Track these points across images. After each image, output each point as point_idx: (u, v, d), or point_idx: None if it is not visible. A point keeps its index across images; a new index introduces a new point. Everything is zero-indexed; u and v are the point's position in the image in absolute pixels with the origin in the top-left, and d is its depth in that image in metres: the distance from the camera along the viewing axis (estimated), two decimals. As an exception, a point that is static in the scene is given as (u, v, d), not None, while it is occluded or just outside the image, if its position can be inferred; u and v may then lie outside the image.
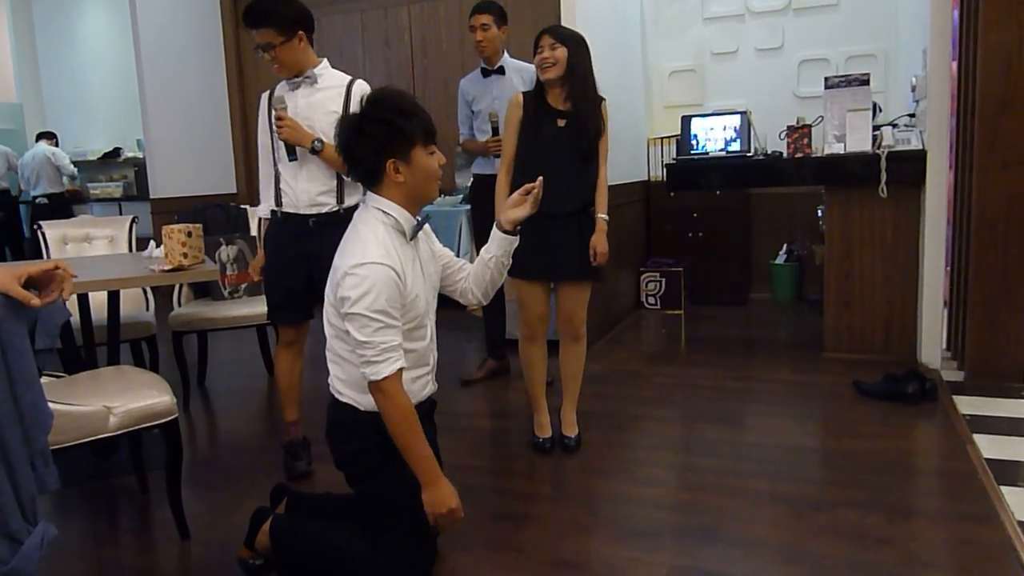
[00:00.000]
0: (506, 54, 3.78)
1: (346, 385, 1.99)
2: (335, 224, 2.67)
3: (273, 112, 2.70)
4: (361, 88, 2.73)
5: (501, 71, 3.72)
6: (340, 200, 2.72)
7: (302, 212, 2.72)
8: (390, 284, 1.84)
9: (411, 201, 1.98)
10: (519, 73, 3.76)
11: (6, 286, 1.29)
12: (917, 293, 3.78)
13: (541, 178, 2.17)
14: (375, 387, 1.85)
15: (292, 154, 2.68)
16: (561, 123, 2.76)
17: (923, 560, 2.06)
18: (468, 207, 5.48)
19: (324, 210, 2.71)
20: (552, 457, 2.88)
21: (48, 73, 8.59)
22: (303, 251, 2.69)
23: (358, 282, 1.81)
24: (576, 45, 2.74)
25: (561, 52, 2.70)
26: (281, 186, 2.75)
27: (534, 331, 2.89)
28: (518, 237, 2.18)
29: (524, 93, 2.83)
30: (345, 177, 2.66)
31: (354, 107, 2.24)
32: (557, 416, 3.00)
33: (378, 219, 1.93)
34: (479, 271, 2.19)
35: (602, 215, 2.83)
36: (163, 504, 2.40)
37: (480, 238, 3.99)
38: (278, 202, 2.76)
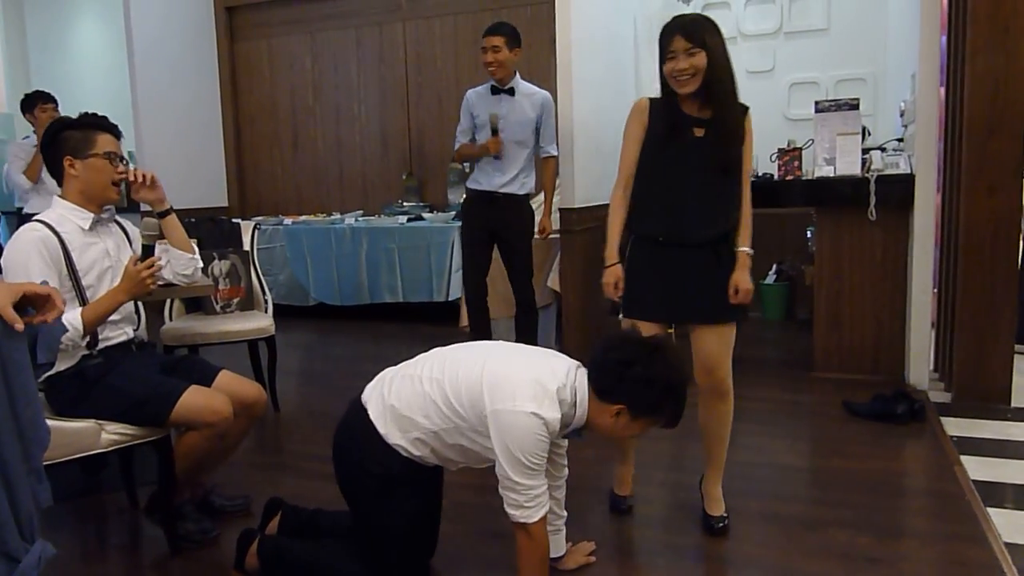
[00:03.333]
0: (518, 75, 3.81)
1: (391, 408, 1.93)
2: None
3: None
4: None
5: (511, 92, 3.75)
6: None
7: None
8: (543, 444, 1.82)
9: (595, 429, 1.94)
10: (529, 98, 3.78)
11: None
12: (905, 314, 3.82)
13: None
14: (521, 528, 1.86)
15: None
16: (699, 132, 2.26)
17: (913, 581, 2.08)
18: (460, 223, 5.51)
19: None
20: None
21: (40, 84, 8.54)
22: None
23: (530, 427, 1.79)
24: (714, 43, 2.19)
25: (700, 59, 2.16)
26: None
27: None
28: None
29: (651, 99, 2.35)
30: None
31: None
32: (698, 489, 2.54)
33: (569, 395, 1.87)
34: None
35: (746, 248, 2.32)
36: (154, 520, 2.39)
37: (469, 259, 3.95)
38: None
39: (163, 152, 6.10)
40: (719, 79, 2.19)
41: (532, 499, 1.83)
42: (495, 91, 3.76)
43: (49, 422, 1.96)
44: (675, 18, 2.25)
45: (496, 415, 1.81)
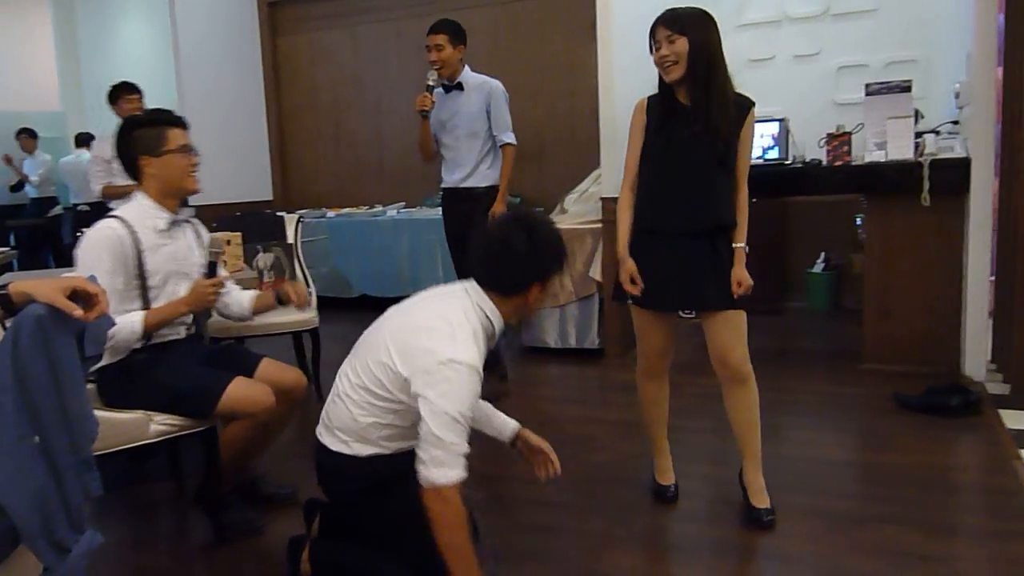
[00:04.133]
0: (467, 69, 3.79)
1: (343, 430, 1.93)
2: None
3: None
4: None
5: (460, 87, 3.72)
6: None
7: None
8: (477, 390, 1.80)
9: (517, 316, 1.97)
10: (479, 89, 3.74)
11: (52, 297, 1.31)
12: (960, 303, 3.70)
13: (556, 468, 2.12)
14: (436, 493, 1.74)
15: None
16: (694, 124, 2.29)
17: (968, 580, 2.01)
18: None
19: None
20: (583, 468, 2.86)
21: (90, 82, 8.78)
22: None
23: (457, 379, 1.75)
24: (700, 30, 2.25)
25: (681, 45, 2.22)
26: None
27: (654, 368, 2.53)
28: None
29: (650, 97, 2.40)
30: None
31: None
32: (738, 479, 2.51)
33: (477, 317, 1.88)
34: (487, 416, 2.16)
35: (741, 244, 2.36)
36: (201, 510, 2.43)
37: (454, 256, 3.91)
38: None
39: (209, 147, 6.08)
40: (695, 65, 2.23)
41: (452, 456, 1.74)
42: (447, 88, 3.72)
43: (98, 413, 2.00)
44: (664, 11, 2.30)
45: (426, 385, 1.76)
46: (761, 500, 2.38)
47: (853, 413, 3.38)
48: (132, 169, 2.36)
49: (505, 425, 2.14)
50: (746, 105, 2.33)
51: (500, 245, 1.90)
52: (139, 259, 2.26)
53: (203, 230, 2.57)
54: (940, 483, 2.62)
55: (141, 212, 2.32)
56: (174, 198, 2.39)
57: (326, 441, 1.97)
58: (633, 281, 2.37)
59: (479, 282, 1.93)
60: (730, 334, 2.36)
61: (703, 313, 2.40)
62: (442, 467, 1.73)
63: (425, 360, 1.77)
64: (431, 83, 3.69)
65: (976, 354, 3.64)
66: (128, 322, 2.19)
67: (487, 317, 1.90)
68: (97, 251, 2.20)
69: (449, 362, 1.74)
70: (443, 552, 1.76)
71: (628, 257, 2.39)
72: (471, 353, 1.78)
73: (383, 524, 1.99)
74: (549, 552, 2.26)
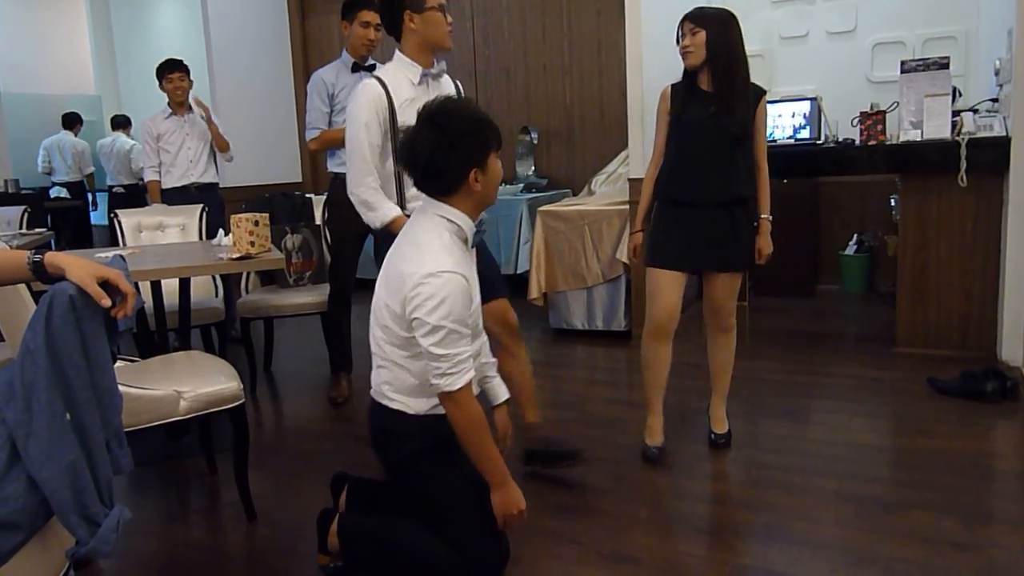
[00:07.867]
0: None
1: (395, 390, 1.94)
2: None
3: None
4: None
5: (372, 68, 3.51)
6: None
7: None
8: (464, 294, 1.82)
9: (479, 208, 1.95)
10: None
11: (83, 280, 1.33)
12: (998, 286, 3.61)
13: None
14: (447, 397, 1.82)
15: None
16: (711, 106, 2.56)
17: (1003, 568, 1.97)
18: (527, 196, 5.46)
19: None
20: (610, 450, 2.85)
21: (124, 66, 8.89)
22: None
23: (434, 291, 1.77)
24: (718, 25, 2.53)
25: (700, 37, 2.51)
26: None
27: (663, 327, 2.66)
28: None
29: (673, 85, 2.68)
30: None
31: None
32: (702, 417, 2.89)
33: (443, 227, 1.89)
34: None
35: (765, 215, 2.67)
36: (231, 485, 2.47)
37: (347, 251, 3.60)
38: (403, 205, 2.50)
39: (240, 130, 6.21)
40: (716, 55, 2.52)
41: (455, 364, 1.79)
42: (355, 68, 3.51)
43: (130, 390, 2.05)
44: (692, 8, 2.58)
45: (415, 309, 1.78)
46: (720, 427, 2.85)
47: (886, 398, 3.33)
48: (394, 24, 2.42)
49: (494, 393, 2.12)
50: (758, 93, 2.62)
51: (415, 152, 1.86)
52: (392, 117, 2.38)
53: (459, 84, 2.60)
54: (975, 469, 2.57)
55: (396, 68, 2.43)
56: (428, 55, 2.45)
57: (384, 401, 1.97)
58: (635, 252, 2.84)
59: (425, 192, 1.93)
60: (728, 292, 2.74)
61: (709, 273, 2.72)
62: (448, 376, 1.80)
63: (406, 287, 1.81)
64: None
65: (1015, 338, 3.55)
66: (384, 211, 2.39)
67: (450, 220, 1.90)
68: (360, 111, 2.36)
69: (425, 277, 1.78)
70: (469, 453, 1.87)
71: (640, 230, 2.82)
72: (442, 260, 1.81)
73: (431, 491, 1.97)
74: (574, 532, 2.26)
